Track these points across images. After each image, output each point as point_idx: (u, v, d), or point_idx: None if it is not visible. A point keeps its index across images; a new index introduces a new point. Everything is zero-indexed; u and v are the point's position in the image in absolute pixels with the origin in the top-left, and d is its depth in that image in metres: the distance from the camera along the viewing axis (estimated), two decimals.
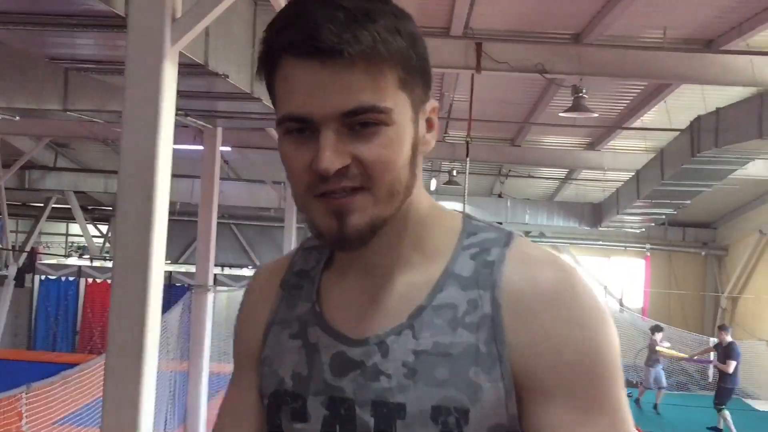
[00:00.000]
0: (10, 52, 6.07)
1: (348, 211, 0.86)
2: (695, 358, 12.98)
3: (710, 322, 17.82)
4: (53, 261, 17.86)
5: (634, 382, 13.07)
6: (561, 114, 9.49)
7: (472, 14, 7.59)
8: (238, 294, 12.71)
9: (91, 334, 15.21)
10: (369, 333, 0.91)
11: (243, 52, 5.42)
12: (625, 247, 18.86)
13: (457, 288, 0.90)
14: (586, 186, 16.18)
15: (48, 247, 23.27)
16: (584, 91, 8.54)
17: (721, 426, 10.89)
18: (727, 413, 10.75)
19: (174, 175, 3.48)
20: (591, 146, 13.85)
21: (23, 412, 7.34)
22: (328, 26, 0.81)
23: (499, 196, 16.89)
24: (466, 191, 10.00)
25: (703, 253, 18.84)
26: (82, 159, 17.18)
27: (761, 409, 13.07)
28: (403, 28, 0.88)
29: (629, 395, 13.31)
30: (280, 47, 0.85)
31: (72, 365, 9.45)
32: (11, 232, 18.17)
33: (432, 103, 0.94)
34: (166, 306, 8.71)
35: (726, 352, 10.89)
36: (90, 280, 15.58)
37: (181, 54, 3.60)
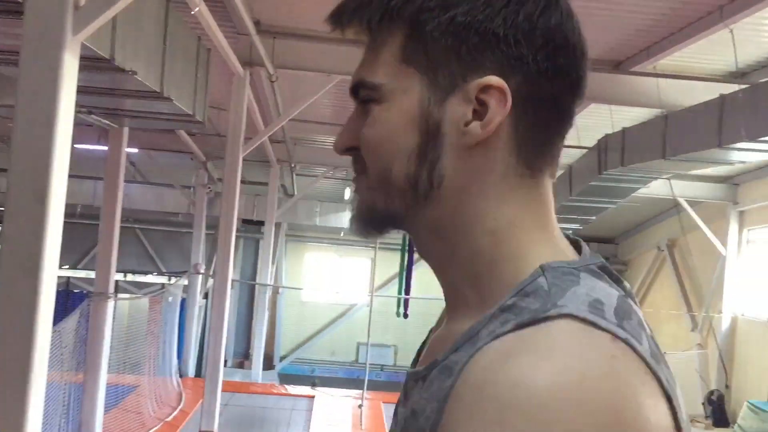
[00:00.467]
0: None
1: (355, 195, 0.79)
2: None
3: None
4: None
5: None
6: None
7: None
8: (142, 302, 12.18)
9: None
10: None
11: (153, 49, 5.16)
12: None
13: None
14: None
15: None
16: None
17: None
18: None
19: (75, 176, 3.22)
20: None
21: None
22: None
23: None
24: None
25: None
26: None
27: None
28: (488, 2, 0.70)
29: None
30: None
31: None
32: None
33: (485, 81, 0.70)
34: (63, 314, 8.23)
35: None
36: None
37: (84, 46, 3.35)
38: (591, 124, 10.42)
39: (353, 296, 20.03)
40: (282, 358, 19.80)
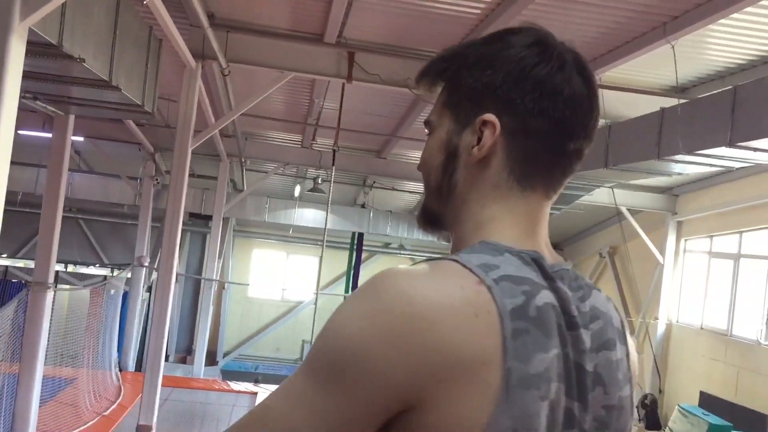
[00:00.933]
0: None
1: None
2: None
3: None
4: None
5: None
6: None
7: (346, 24, 7.60)
8: (82, 294, 11.94)
9: None
10: None
11: (103, 37, 5.09)
12: None
13: None
14: None
15: None
16: None
17: None
18: None
19: (17, 163, 3.18)
20: None
21: None
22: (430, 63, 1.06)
23: (363, 206, 17.05)
24: (330, 200, 9.99)
25: None
26: None
27: None
28: (473, 56, 1.01)
29: None
30: None
31: None
32: None
33: (483, 117, 0.98)
34: (0, 303, 8.00)
35: None
36: None
37: (32, 32, 3.32)
38: None
39: (300, 294, 19.99)
40: (226, 354, 19.63)
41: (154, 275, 14.49)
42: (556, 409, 0.87)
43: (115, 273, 14.25)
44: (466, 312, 0.83)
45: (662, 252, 14.39)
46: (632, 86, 8.44)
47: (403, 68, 8.11)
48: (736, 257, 12.46)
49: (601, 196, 12.70)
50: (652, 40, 6.59)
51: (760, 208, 11.48)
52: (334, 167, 9.54)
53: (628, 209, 14.43)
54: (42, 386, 8.34)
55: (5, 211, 3.11)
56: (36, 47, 3.99)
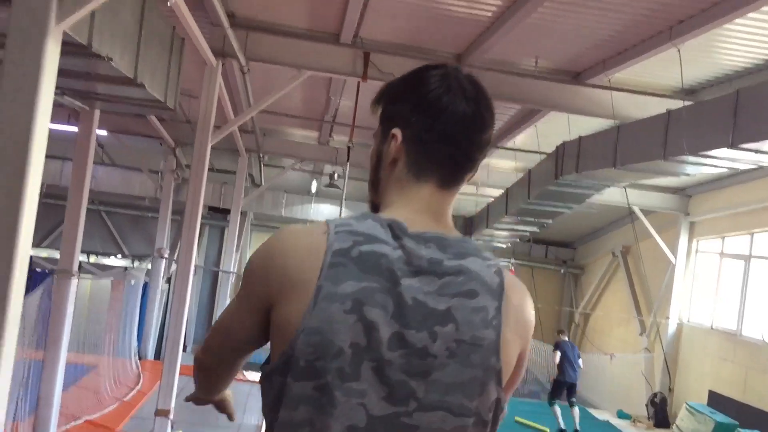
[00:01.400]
0: None
1: None
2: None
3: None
4: None
5: None
6: None
7: (362, 24, 7.83)
8: (104, 284, 12.25)
9: None
10: None
11: (129, 37, 5.36)
12: None
13: None
14: (460, 199, 16.83)
15: None
16: None
17: (578, 427, 11.71)
18: (557, 408, 11.65)
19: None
20: None
21: None
22: None
23: None
24: (344, 195, 10.23)
25: (562, 271, 20.11)
26: None
27: (600, 418, 14.12)
28: (392, 88, 1.40)
29: None
30: None
31: None
32: None
33: (392, 132, 1.35)
34: (25, 291, 8.29)
35: (553, 349, 11.93)
36: None
37: (64, 33, 3.57)
38: (550, 130, 10.82)
39: None
40: None
41: (174, 267, 14.85)
42: (376, 328, 1.20)
43: (136, 264, 14.60)
44: (304, 250, 1.25)
45: (674, 252, 14.49)
46: (641, 88, 8.60)
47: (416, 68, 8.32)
48: (747, 258, 12.55)
49: (613, 196, 12.81)
50: (659, 44, 6.76)
51: None
52: (348, 163, 9.76)
53: (641, 209, 14.53)
54: (65, 372, 8.64)
55: None
56: (67, 47, 4.24)
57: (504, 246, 18.29)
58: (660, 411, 13.53)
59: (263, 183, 16.23)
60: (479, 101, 1.34)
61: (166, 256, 14.27)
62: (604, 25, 7.00)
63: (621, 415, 14.33)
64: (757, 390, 11.30)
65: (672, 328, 14.36)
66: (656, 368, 14.46)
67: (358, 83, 8.82)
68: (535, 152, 11.61)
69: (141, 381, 12.08)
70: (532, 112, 10.35)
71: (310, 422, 1.20)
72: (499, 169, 14.29)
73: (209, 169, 8.81)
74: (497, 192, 14.39)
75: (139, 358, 13.25)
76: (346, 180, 10.02)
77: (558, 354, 11.61)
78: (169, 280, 15.00)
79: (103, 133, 12.85)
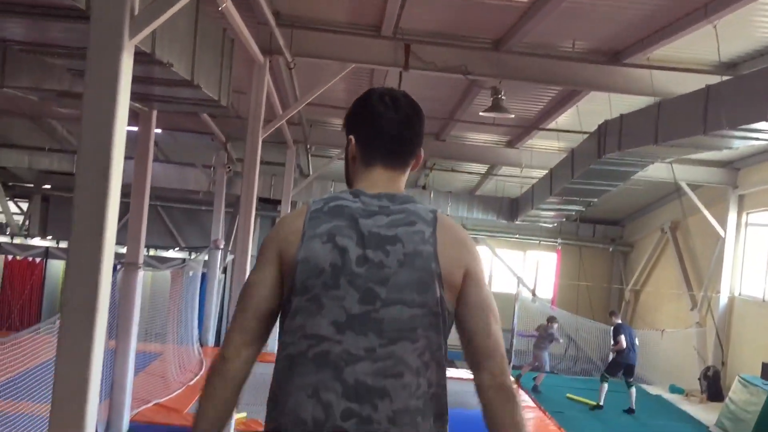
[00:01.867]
0: None
1: None
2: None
3: None
4: None
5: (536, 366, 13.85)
6: (480, 113, 10.12)
7: (402, 16, 8.09)
8: (165, 276, 12.80)
9: (9, 311, 15.01)
10: None
11: (186, 42, 5.75)
12: (539, 241, 19.90)
13: None
14: (505, 181, 17.02)
15: None
16: (503, 93, 9.18)
17: (633, 407, 11.88)
18: (605, 386, 11.83)
19: None
20: (510, 144, 14.65)
21: None
22: None
23: (424, 187, 17.54)
24: None
25: (610, 249, 20.07)
26: (5, 134, 16.85)
27: (653, 393, 14.20)
28: (353, 112, 2.01)
29: (518, 377, 13.98)
30: None
31: None
32: None
33: (349, 137, 1.99)
34: None
35: (614, 333, 12.06)
36: (10, 257, 15.35)
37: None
38: (592, 109, 10.91)
39: None
40: None
41: (229, 257, 15.41)
42: (347, 251, 1.77)
43: (193, 256, 15.17)
44: (294, 218, 1.88)
45: (723, 226, 14.40)
46: (681, 64, 8.65)
47: (456, 56, 8.56)
48: None
49: (660, 172, 12.79)
50: (695, 21, 6.85)
51: None
52: None
53: (688, 184, 14.47)
54: (135, 359, 9.17)
55: None
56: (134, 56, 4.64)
57: (551, 226, 18.36)
58: (713, 384, 13.55)
59: (311, 173, 16.64)
60: (405, 108, 1.96)
61: (222, 247, 14.82)
62: (638, 6, 7.12)
63: (673, 389, 14.38)
64: None
65: (723, 301, 14.31)
66: (708, 342, 14.44)
67: (400, 73, 9.08)
68: (578, 132, 11.71)
69: (204, 366, 12.65)
70: (573, 92, 10.46)
71: (303, 326, 1.77)
72: (542, 149, 14.40)
73: (259, 162, 9.20)
74: (541, 173, 14.51)
75: (201, 345, 13.85)
76: None
77: (623, 338, 11.75)
78: (224, 270, 15.57)
79: (157, 131, 13.39)
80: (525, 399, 12.59)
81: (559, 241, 19.67)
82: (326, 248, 1.76)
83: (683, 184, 14.23)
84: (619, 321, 12.16)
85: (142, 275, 8.92)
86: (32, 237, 17.03)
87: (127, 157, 3.85)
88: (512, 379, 1.91)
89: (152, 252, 15.73)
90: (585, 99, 10.50)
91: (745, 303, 13.95)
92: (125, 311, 8.63)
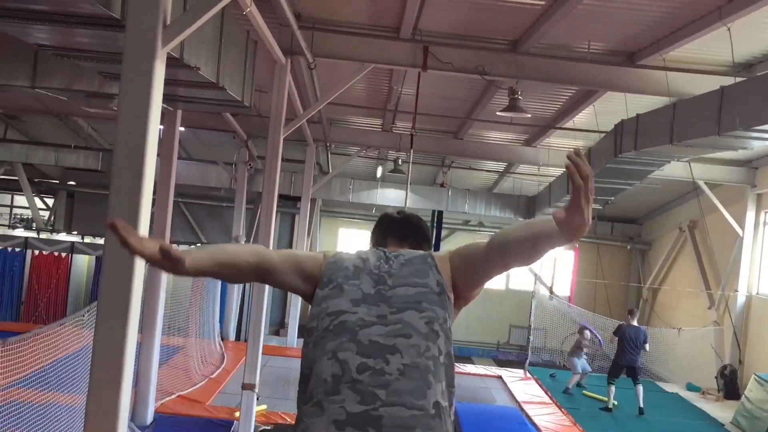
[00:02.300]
0: None
1: None
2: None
3: None
4: None
5: (560, 365, 14.00)
6: (498, 113, 10.26)
7: (420, 18, 8.26)
8: None
9: (36, 304, 15.39)
10: None
11: (212, 47, 5.97)
12: None
13: None
14: (522, 179, 17.13)
15: None
16: (520, 93, 9.31)
17: (641, 404, 11.95)
18: (612, 388, 11.93)
19: None
20: (528, 142, 14.76)
21: None
22: None
23: (442, 185, 17.69)
24: (410, 180, 10.71)
25: (628, 247, 20.09)
26: (32, 132, 17.25)
27: (670, 391, 14.26)
28: (375, 225, 2.57)
29: (552, 375, 14.19)
30: None
31: (15, 333, 9.67)
32: None
33: (370, 236, 2.60)
34: None
35: (613, 333, 12.31)
36: (36, 252, 15.73)
37: None
38: (608, 109, 11.02)
39: None
40: None
41: None
42: (368, 260, 2.21)
43: None
44: (321, 258, 2.26)
45: (741, 225, 14.41)
46: (696, 65, 8.74)
47: (474, 56, 8.72)
48: None
49: (678, 171, 12.85)
50: (709, 23, 6.95)
51: None
52: (412, 150, 10.23)
53: (706, 183, 14.49)
54: (159, 352, 9.44)
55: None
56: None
57: None
58: (730, 383, 13.59)
59: (331, 170, 16.85)
60: (407, 216, 2.52)
61: (243, 242, 15.08)
62: (654, 8, 7.23)
63: (690, 387, 14.44)
64: None
65: (741, 300, 14.33)
66: (725, 341, 14.47)
67: (419, 73, 9.25)
68: (594, 131, 11.81)
69: (225, 359, 12.93)
70: (590, 92, 10.57)
71: (327, 309, 2.10)
72: (559, 148, 14.50)
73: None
74: (558, 171, 14.60)
75: (222, 339, 14.12)
76: (411, 165, 10.48)
77: (615, 339, 12.01)
78: None
79: (180, 129, 13.68)
80: (541, 396, 12.73)
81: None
82: (351, 257, 2.30)
83: (701, 183, 14.26)
84: (635, 321, 12.22)
85: None
86: (58, 232, 17.43)
87: None
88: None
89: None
90: (601, 99, 10.60)
91: (763, 302, 13.96)
92: (150, 305, 8.90)
